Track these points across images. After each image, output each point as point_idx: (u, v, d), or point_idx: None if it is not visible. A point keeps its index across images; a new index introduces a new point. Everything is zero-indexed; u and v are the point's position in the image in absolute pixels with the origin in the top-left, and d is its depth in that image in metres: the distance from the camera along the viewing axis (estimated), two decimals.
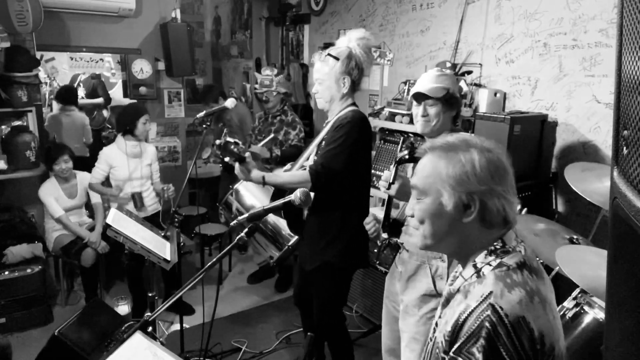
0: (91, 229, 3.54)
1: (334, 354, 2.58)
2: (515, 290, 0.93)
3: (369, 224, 1.99)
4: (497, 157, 1.00)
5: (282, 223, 2.52)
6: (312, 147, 2.28)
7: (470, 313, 0.93)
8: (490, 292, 0.93)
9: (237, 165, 2.02)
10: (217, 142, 1.96)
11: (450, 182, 0.99)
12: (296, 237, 2.48)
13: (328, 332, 2.51)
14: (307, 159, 2.31)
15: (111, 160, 3.41)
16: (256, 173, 2.03)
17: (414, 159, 1.71)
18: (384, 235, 1.90)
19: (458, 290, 1.05)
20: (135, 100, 4.42)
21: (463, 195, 0.98)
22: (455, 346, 0.93)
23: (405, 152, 1.72)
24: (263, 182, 2.04)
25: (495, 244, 1.02)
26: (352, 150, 2.09)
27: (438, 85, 1.81)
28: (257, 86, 3.77)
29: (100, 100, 6.02)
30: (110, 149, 3.45)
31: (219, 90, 4.68)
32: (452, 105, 1.83)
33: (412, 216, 1.08)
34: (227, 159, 1.97)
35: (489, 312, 0.91)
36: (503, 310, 0.90)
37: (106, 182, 3.53)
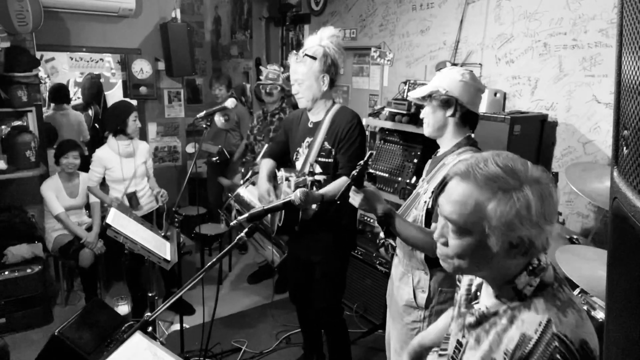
0: (89, 229, 3.54)
1: (333, 348, 2.59)
2: (569, 312, 0.92)
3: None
4: (547, 188, 0.92)
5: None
6: (316, 148, 2.28)
7: (535, 346, 0.90)
8: (549, 321, 0.90)
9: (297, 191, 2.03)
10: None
11: (500, 227, 0.90)
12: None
13: (328, 320, 2.54)
14: (307, 159, 2.32)
15: (105, 162, 3.37)
16: (315, 196, 2.12)
17: (364, 179, 1.69)
18: (382, 235, 1.90)
19: (495, 313, 1.00)
20: (122, 99, 4.41)
21: (513, 239, 0.91)
22: None
23: (356, 171, 1.68)
24: (322, 200, 2.15)
25: (532, 263, 0.97)
26: (363, 148, 2.28)
27: (427, 87, 1.76)
28: (262, 78, 3.76)
29: (79, 101, 6.04)
30: (102, 151, 3.40)
31: (228, 77, 4.67)
32: (442, 103, 1.72)
33: (444, 244, 1.00)
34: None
35: (556, 344, 0.88)
36: (568, 339, 0.88)
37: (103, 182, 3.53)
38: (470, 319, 1.06)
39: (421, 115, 1.83)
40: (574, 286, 1.85)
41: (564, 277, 2.18)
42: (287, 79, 3.95)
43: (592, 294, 1.84)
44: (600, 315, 1.81)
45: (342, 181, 2.18)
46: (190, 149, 4.83)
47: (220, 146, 4.33)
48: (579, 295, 1.92)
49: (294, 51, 2.29)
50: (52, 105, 5.06)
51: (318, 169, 2.30)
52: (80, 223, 3.61)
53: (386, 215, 1.67)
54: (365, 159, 1.69)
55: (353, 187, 1.71)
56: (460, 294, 1.16)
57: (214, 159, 4.22)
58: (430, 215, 1.71)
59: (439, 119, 1.76)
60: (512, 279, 0.97)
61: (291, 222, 2.28)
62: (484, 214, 0.91)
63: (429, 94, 1.74)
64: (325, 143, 2.27)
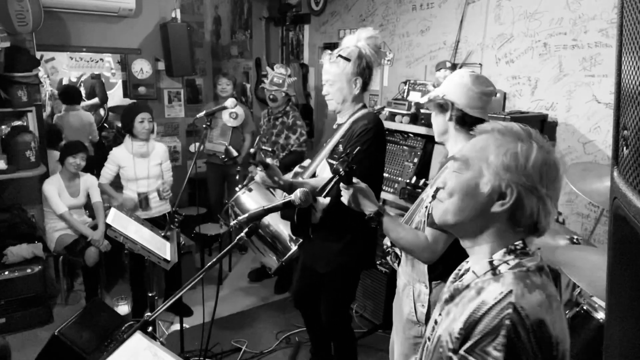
0: (93, 227, 3.55)
1: (339, 354, 2.57)
2: (536, 293, 0.90)
3: None
4: (555, 160, 0.95)
5: (282, 231, 2.49)
6: (326, 150, 2.23)
7: (488, 310, 0.89)
8: (511, 291, 0.89)
9: (260, 172, 2.06)
10: (252, 150, 2.13)
11: (495, 167, 0.93)
12: (295, 248, 2.46)
13: (337, 332, 2.51)
14: (320, 162, 2.27)
15: (119, 160, 3.44)
16: (283, 179, 2.08)
17: (349, 177, 1.64)
18: (388, 243, 1.88)
19: (467, 286, 1.00)
20: (134, 100, 4.42)
21: (503, 183, 0.93)
22: (468, 344, 0.89)
23: (344, 165, 1.62)
24: (288, 190, 2.07)
25: (516, 243, 0.97)
26: (375, 156, 2.12)
27: (432, 92, 1.76)
28: (266, 82, 3.75)
29: (96, 100, 6.04)
30: (118, 150, 3.48)
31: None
32: (439, 108, 1.71)
33: (442, 187, 1.03)
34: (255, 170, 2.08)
35: (509, 311, 0.87)
36: (524, 311, 0.87)
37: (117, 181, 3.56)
38: (446, 295, 1.08)
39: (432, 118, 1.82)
40: (574, 286, 1.85)
41: (556, 275, 2.18)
42: (293, 84, 3.94)
43: (592, 294, 1.84)
44: (600, 315, 1.81)
45: (322, 180, 2.09)
46: (192, 147, 4.83)
47: (225, 144, 4.33)
48: (579, 295, 1.92)
49: (328, 50, 2.19)
50: (64, 106, 5.09)
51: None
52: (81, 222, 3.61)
53: (376, 214, 1.63)
54: (352, 152, 1.63)
55: (342, 184, 1.65)
56: (450, 278, 1.15)
57: (222, 157, 4.22)
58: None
59: (439, 124, 1.74)
60: (491, 254, 0.99)
61: (303, 225, 2.18)
62: (487, 152, 0.95)
63: (432, 98, 1.72)
64: (340, 145, 2.17)
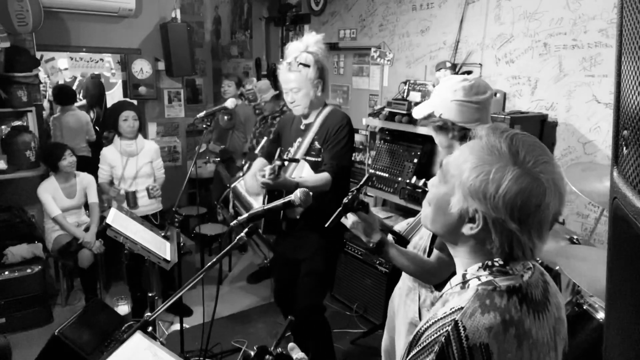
0: (87, 229, 3.54)
1: (316, 346, 2.58)
2: (490, 315, 0.81)
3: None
4: (539, 190, 0.81)
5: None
6: (302, 150, 2.35)
7: (433, 324, 0.85)
8: (461, 308, 0.83)
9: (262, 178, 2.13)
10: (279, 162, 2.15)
11: (464, 189, 0.85)
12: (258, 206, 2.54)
13: (313, 319, 2.51)
14: (296, 157, 2.37)
15: (109, 160, 3.46)
16: (290, 182, 2.17)
17: (357, 207, 1.62)
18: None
19: (441, 296, 0.96)
20: (121, 99, 4.43)
21: (471, 208, 0.85)
22: (410, 355, 0.86)
23: (348, 199, 1.60)
24: (296, 187, 2.07)
25: (495, 259, 0.89)
26: (351, 150, 2.36)
27: (425, 105, 1.66)
28: (245, 101, 3.84)
29: (83, 102, 6.05)
30: (108, 149, 3.50)
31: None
32: (439, 129, 1.62)
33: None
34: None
35: (448, 329, 0.81)
36: (465, 331, 0.80)
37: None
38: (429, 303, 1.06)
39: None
40: (574, 286, 1.85)
41: (556, 275, 2.17)
42: (267, 87, 4.01)
43: (592, 294, 1.84)
44: (600, 315, 1.81)
45: (321, 176, 2.24)
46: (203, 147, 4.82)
47: (222, 146, 4.34)
48: (579, 295, 1.92)
49: (282, 60, 2.34)
50: (59, 107, 5.08)
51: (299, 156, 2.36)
52: (79, 223, 3.60)
53: (379, 245, 1.59)
54: (359, 185, 1.63)
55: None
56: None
57: (217, 159, 4.23)
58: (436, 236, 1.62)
59: (442, 141, 1.65)
60: (467, 266, 0.93)
61: (275, 222, 2.32)
62: (462, 169, 0.87)
63: (427, 116, 1.63)
64: (315, 143, 2.33)
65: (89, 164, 4.38)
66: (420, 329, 0.88)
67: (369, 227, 1.61)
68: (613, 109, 0.76)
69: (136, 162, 3.47)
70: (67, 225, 3.45)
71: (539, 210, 0.82)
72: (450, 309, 0.85)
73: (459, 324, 0.81)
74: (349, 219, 1.63)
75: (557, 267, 1.87)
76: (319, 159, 2.32)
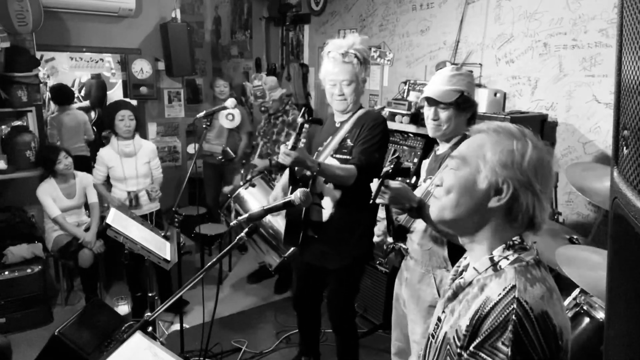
0: (87, 229, 3.54)
1: (343, 351, 2.59)
2: (537, 286, 0.93)
3: (379, 237, 1.97)
4: (548, 161, 0.98)
5: (282, 228, 2.47)
6: (332, 146, 2.26)
7: (494, 307, 0.91)
8: (513, 286, 0.92)
9: (294, 154, 1.98)
10: (300, 120, 2.11)
11: (492, 163, 0.97)
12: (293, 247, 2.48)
13: (346, 328, 2.53)
14: (325, 158, 2.28)
15: (106, 161, 3.45)
16: (311, 159, 2.06)
17: (398, 173, 1.70)
18: (389, 240, 1.89)
19: (470, 283, 1.02)
20: (118, 99, 4.43)
21: (500, 178, 0.96)
22: (477, 341, 0.91)
23: (390, 167, 1.69)
24: (318, 168, 2.03)
25: (514, 238, 0.99)
26: (383, 149, 2.24)
27: (450, 88, 1.74)
28: (251, 97, 3.80)
29: (86, 103, 6.05)
30: (105, 150, 3.49)
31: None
32: (465, 108, 1.78)
33: (439, 185, 1.05)
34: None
35: (514, 306, 0.89)
36: (528, 305, 0.89)
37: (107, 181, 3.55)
38: (448, 294, 1.09)
39: (433, 117, 1.78)
40: (574, 286, 1.85)
41: (556, 275, 2.18)
42: (286, 79, 3.98)
43: (592, 294, 1.84)
44: (600, 315, 1.81)
45: (347, 167, 2.11)
46: (190, 148, 4.84)
47: (223, 146, 4.34)
48: (579, 295, 1.92)
49: (330, 51, 2.20)
50: (56, 107, 5.06)
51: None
52: (79, 223, 3.60)
53: (418, 208, 1.69)
54: (396, 155, 1.70)
55: (382, 187, 1.68)
56: (450, 275, 1.17)
57: (219, 158, 4.23)
58: None
59: (460, 123, 1.79)
60: (491, 250, 1.01)
61: (296, 232, 2.20)
62: (484, 151, 0.98)
63: (459, 100, 1.75)
64: (347, 140, 2.22)
65: (88, 164, 4.39)
66: (478, 316, 0.93)
67: (405, 195, 1.70)
68: (613, 109, 0.76)
69: (135, 162, 3.46)
70: (67, 225, 3.45)
71: (551, 174, 0.98)
72: (504, 289, 0.92)
73: (521, 300, 0.89)
74: (385, 196, 1.68)
75: (557, 267, 1.86)
76: (349, 157, 2.18)
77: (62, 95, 5.01)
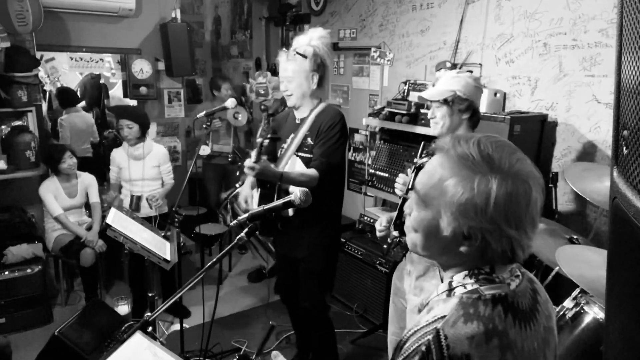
0: (89, 228, 3.55)
1: (319, 345, 2.60)
2: (473, 324, 0.80)
3: (382, 232, 2.00)
4: (524, 190, 0.80)
5: None
6: (295, 145, 2.34)
7: (415, 332, 0.84)
8: (443, 317, 0.82)
9: (256, 166, 2.12)
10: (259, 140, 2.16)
11: (452, 209, 0.82)
12: None
13: (316, 318, 2.54)
14: (289, 157, 2.36)
15: (117, 162, 3.49)
16: (273, 170, 2.19)
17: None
18: (395, 234, 1.90)
19: (427, 304, 0.94)
20: (130, 103, 4.45)
21: (465, 227, 0.82)
22: None
23: (426, 159, 1.72)
24: (280, 179, 2.18)
25: (483, 268, 0.87)
26: (344, 145, 2.31)
27: (443, 89, 1.85)
28: (253, 95, 3.79)
29: (82, 104, 6.08)
30: (116, 151, 3.53)
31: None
32: (460, 108, 1.85)
33: (409, 215, 0.94)
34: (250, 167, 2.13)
35: (429, 337, 0.80)
36: (446, 340, 0.78)
37: None
38: (418, 307, 1.05)
39: (430, 115, 1.87)
40: (574, 286, 1.85)
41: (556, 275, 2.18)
42: (274, 87, 4.00)
43: (592, 294, 1.84)
44: (600, 315, 1.81)
45: (308, 172, 2.23)
46: (206, 150, 4.80)
47: (234, 145, 4.35)
48: (579, 295, 1.91)
49: (284, 49, 2.35)
50: (44, 106, 5.11)
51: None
52: (80, 222, 3.61)
53: None
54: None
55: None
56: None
57: (230, 156, 4.24)
58: None
59: (455, 122, 1.85)
60: (453, 274, 0.91)
61: (270, 222, 2.32)
62: (442, 190, 0.84)
63: (449, 99, 1.82)
64: (308, 139, 2.31)
65: (92, 165, 4.41)
66: (404, 337, 0.87)
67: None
68: (613, 109, 0.76)
69: (143, 165, 3.47)
70: (69, 224, 3.46)
71: (529, 209, 0.81)
72: (433, 317, 0.84)
73: (440, 333, 0.80)
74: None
75: (557, 267, 1.86)
76: (311, 155, 2.30)
77: (67, 97, 5.06)
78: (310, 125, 2.31)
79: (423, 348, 0.80)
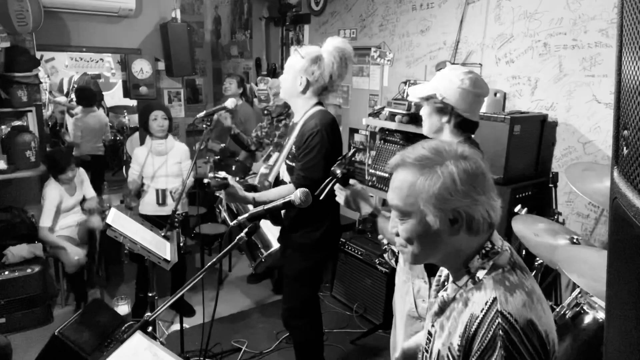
0: (80, 225, 3.57)
1: (296, 351, 2.51)
2: (517, 293, 0.92)
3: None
4: (474, 163, 0.96)
5: (265, 231, 2.67)
6: (285, 151, 2.28)
7: (480, 324, 0.91)
8: (495, 299, 0.92)
9: (223, 192, 2.09)
10: (205, 181, 2.05)
11: (432, 202, 0.94)
12: (275, 247, 2.59)
13: (291, 325, 2.48)
14: (281, 163, 2.33)
15: (139, 158, 3.47)
16: (244, 195, 2.12)
17: (345, 179, 1.71)
18: (384, 241, 1.89)
19: (454, 298, 1.02)
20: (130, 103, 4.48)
21: (449, 212, 0.94)
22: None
23: (339, 171, 1.70)
24: (253, 203, 2.13)
25: (485, 245, 1.00)
26: (327, 157, 2.10)
27: (427, 87, 1.74)
28: (255, 101, 3.81)
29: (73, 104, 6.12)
30: (139, 149, 3.54)
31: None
32: (437, 111, 1.70)
33: (397, 235, 1.03)
34: (217, 193, 2.11)
35: (499, 320, 0.89)
36: (512, 316, 0.89)
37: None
38: (435, 308, 1.09)
39: (421, 112, 1.82)
40: (574, 286, 1.85)
41: (556, 275, 2.18)
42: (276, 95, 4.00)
43: (592, 294, 1.84)
44: (600, 315, 1.81)
45: (283, 189, 2.15)
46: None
47: (223, 145, 4.34)
48: (579, 295, 1.92)
49: (298, 46, 2.31)
50: (80, 107, 5.27)
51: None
52: (79, 221, 3.63)
53: (371, 215, 1.67)
54: (349, 154, 1.70)
55: (338, 185, 1.70)
56: (433, 286, 1.18)
57: (216, 157, 4.23)
58: None
59: (434, 123, 1.74)
60: (466, 263, 1.00)
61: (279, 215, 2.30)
62: (416, 191, 0.95)
63: (427, 97, 1.71)
64: (293, 147, 2.21)
65: (103, 163, 4.45)
66: (467, 334, 0.93)
67: (361, 199, 1.70)
68: (613, 109, 0.76)
69: (166, 161, 3.48)
70: (51, 238, 3.41)
71: (486, 177, 0.97)
72: (485, 304, 0.92)
73: (505, 312, 0.90)
74: (341, 196, 1.70)
75: (557, 267, 1.86)
76: (294, 164, 2.19)
77: (86, 96, 5.14)
78: (298, 131, 2.18)
79: (500, 332, 0.88)
